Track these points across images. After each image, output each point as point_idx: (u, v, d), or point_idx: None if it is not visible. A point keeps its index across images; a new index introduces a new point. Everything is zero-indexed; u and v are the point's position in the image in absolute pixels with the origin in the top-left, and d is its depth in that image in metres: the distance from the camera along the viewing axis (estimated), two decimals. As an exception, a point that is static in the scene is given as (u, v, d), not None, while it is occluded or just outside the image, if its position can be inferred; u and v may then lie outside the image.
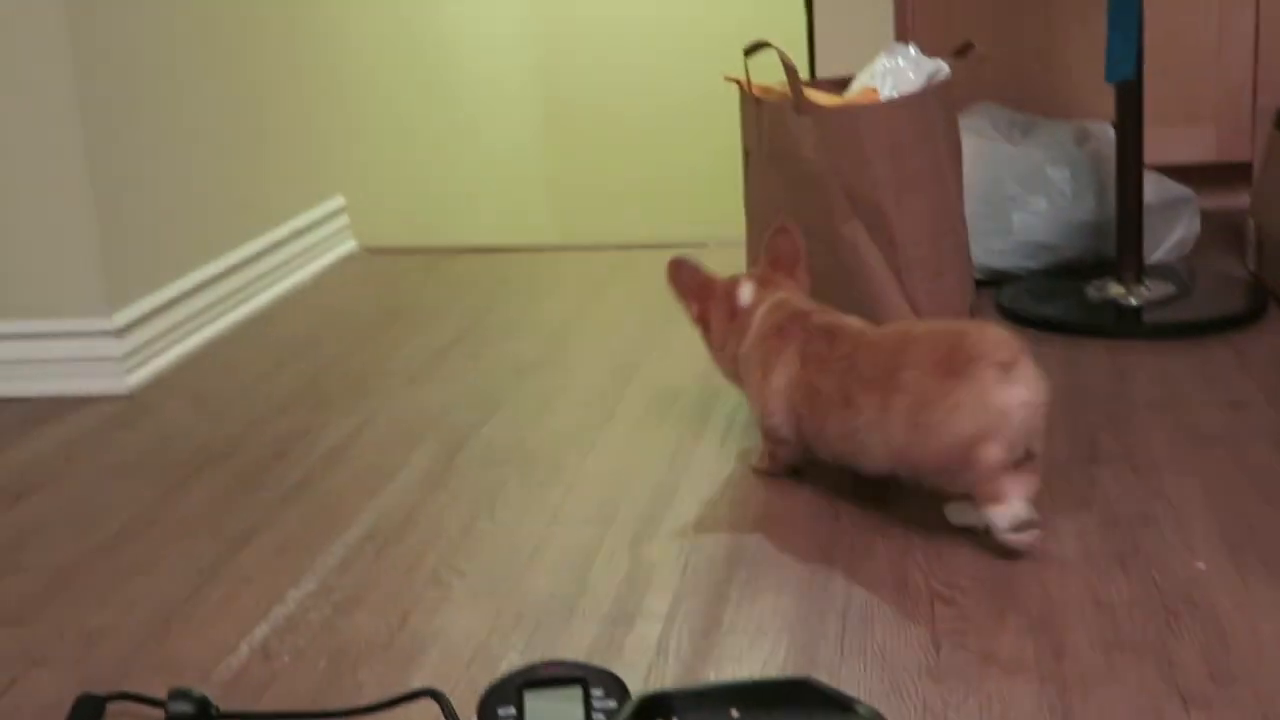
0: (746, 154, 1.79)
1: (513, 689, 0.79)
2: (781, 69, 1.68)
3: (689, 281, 1.54)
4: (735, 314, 1.49)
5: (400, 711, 1.07)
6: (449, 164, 3.32)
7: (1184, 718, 1.01)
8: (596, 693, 0.78)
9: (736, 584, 1.25)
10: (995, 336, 1.30)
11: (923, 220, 1.65)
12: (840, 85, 1.79)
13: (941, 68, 1.67)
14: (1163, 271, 2.02)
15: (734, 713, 0.73)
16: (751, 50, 1.70)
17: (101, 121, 1.89)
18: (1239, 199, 2.44)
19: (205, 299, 2.13)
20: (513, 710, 0.77)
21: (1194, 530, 1.30)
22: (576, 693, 0.78)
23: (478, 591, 1.28)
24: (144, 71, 2.00)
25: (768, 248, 1.53)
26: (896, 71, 1.66)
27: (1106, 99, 2.39)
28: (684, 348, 1.91)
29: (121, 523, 1.49)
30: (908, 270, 1.66)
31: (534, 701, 0.78)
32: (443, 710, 0.97)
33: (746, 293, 1.49)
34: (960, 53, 1.75)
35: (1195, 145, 2.38)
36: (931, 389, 1.28)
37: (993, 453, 1.25)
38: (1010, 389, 1.26)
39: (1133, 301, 1.92)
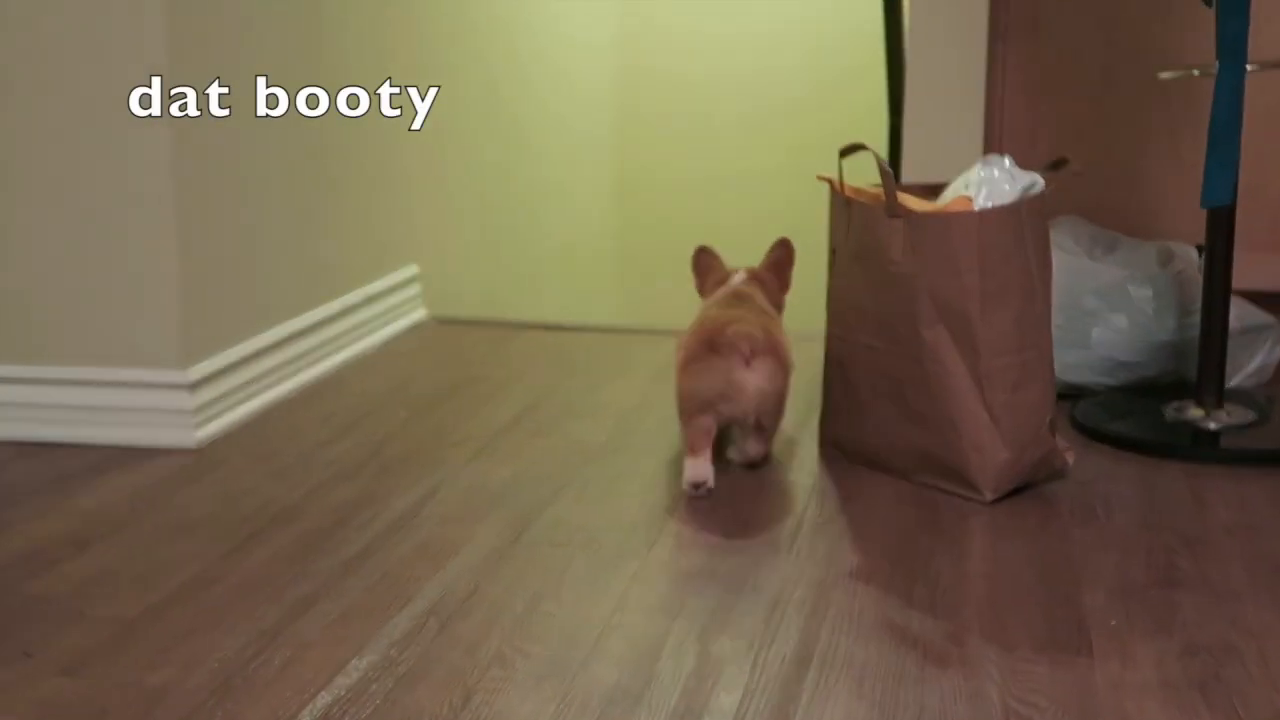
0: (833, 251, 1.79)
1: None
2: (870, 171, 1.69)
3: (701, 263, 2.03)
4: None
5: (463, 793, 1.06)
6: (522, 239, 3.35)
7: None
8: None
9: (807, 685, 1.23)
10: (748, 333, 1.71)
11: (1008, 331, 1.64)
12: (929, 191, 1.80)
13: (1037, 181, 1.67)
14: (1242, 397, 2.00)
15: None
16: (847, 152, 1.71)
17: (189, 181, 1.91)
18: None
19: (276, 359, 2.14)
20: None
21: (1278, 662, 1.27)
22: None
23: (541, 675, 1.26)
24: (229, 137, 2.02)
25: (769, 254, 1.99)
26: (991, 182, 1.66)
27: (1190, 220, 2.38)
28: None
29: (183, 579, 1.49)
30: (988, 380, 1.64)
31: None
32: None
33: (738, 279, 1.94)
34: (1055, 166, 1.74)
35: (1273, 273, 2.36)
36: (699, 353, 1.73)
37: (707, 422, 1.72)
38: (748, 375, 1.71)
39: (1211, 425, 1.90)
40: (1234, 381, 2.08)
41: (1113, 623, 1.35)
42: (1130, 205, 2.39)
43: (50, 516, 1.68)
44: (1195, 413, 1.92)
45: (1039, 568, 1.49)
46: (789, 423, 1.93)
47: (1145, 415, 1.95)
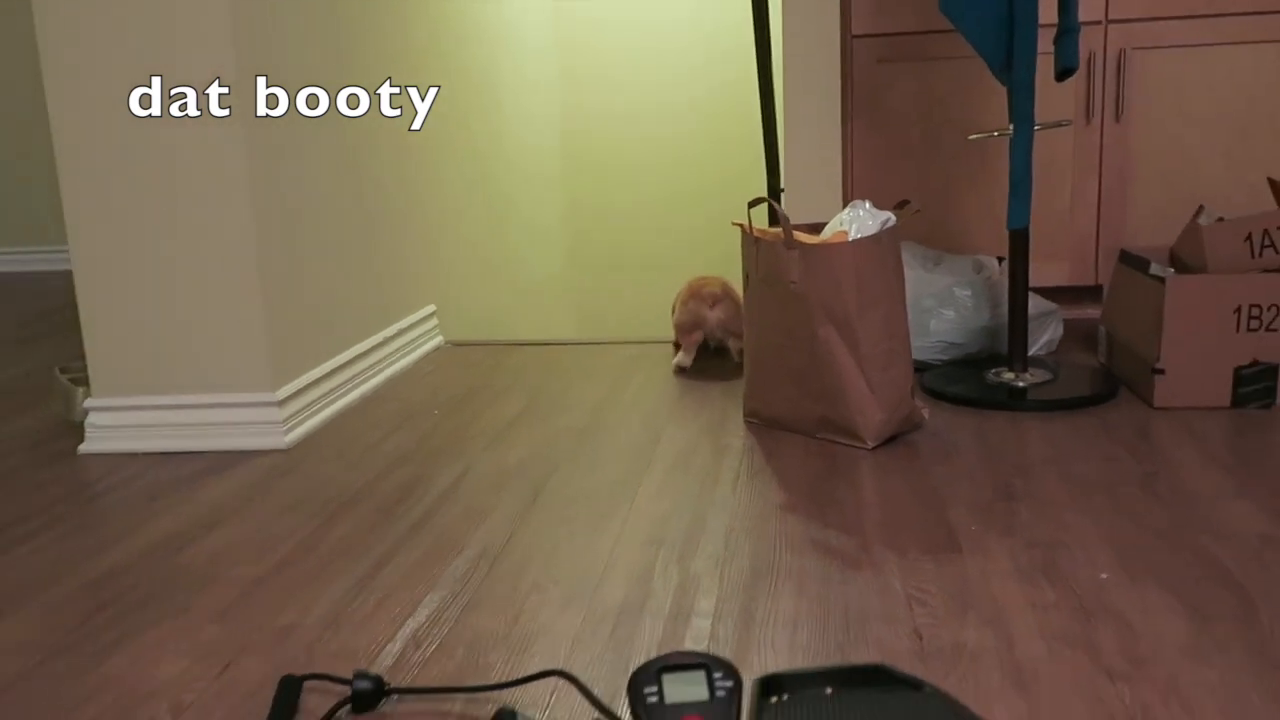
0: (746, 276, 1.80)
1: (653, 672, 0.77)
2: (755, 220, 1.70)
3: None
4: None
5: (527, 686, 1.05)
6: (503, 281, 3.32)
7: (1111, 688, 1.00)
8: (717, 675, 0.76)
9: (761, 590, 1.24)
10: (712, 288, 2.20)
11: (878, 327, 1.65)
12: (811, 228, 1.81)
13: (890, 217, 1.69)
14: (1039, 363, 2.03)
15: (828, 690, 0.71)
16: (755, 203, 1.72)
17: (269, 247, 1.88)
18: (1085, 311, 2.47)
19: (339, 379, 2.11)
20: (655, 688, 0.74)
21: (1094, 550, 1.29)
22: (700, 675, 0.76)
23: (568, 598, 1.25)
24: (300, 204, 1.99)
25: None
26: (859, 219, 1.67)
27: (989, 239, 2.42)
28: (693, 418, 1.91)
29: (290, 547, 1.46)
30: (867, 363, 1.65)
31: (670, 682, 0.75)
32: (574, 684, 0.94)
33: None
34: (900, 206, 1.76)
35: (1055, 273, 2.40)
36: (688, 299, 2.20)
37: (696, 336, 2.19)
38: (709, 312, 2.18)
39: (1020, 384, 1.93)
40: (1031, 351, 2.12)
41: (973, 529, 1.37)
42: (947, 231, 2.42)
43: (183, 506, 1.64)
44: (1008, 376, 1.95)
45: (915, 494, 1.50)
46: (722, 400, 1.94)
47: (973, 380, 1.97)
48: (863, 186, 2.40)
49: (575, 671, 1.07)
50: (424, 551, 1.41)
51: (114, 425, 1.92)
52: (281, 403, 1.89)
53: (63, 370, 2.31)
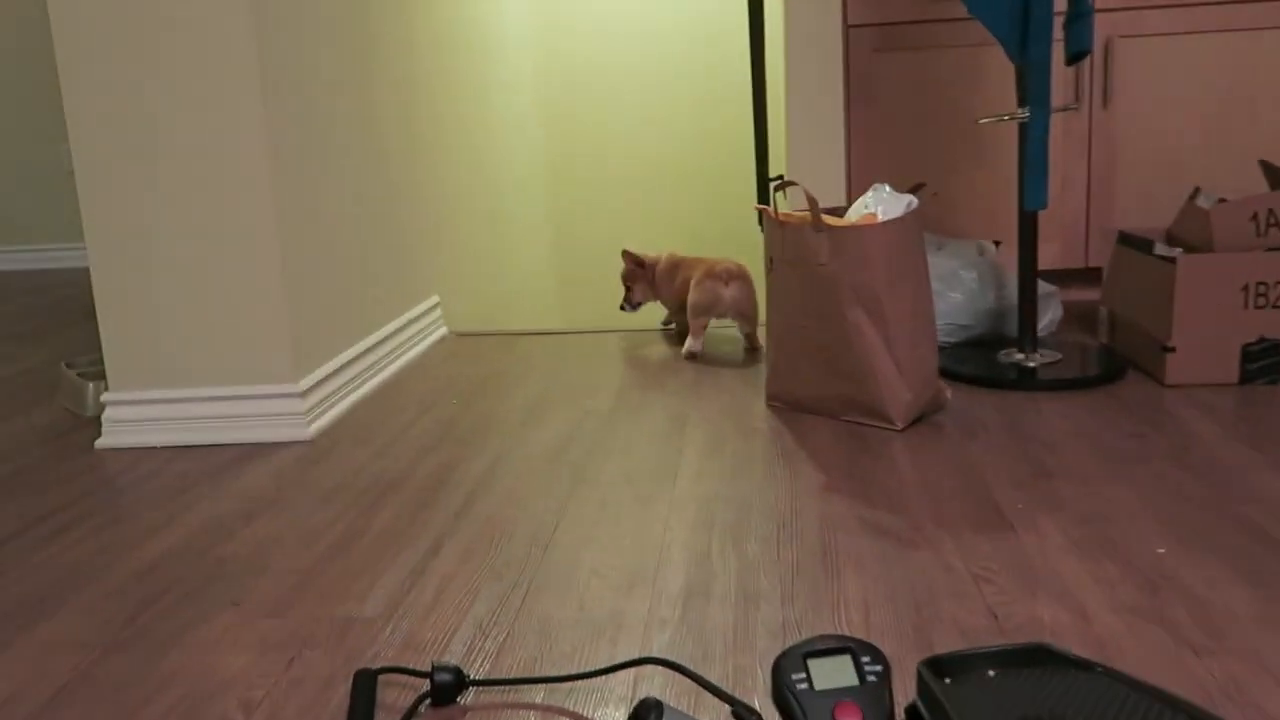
0: (770, 260, 1.74)
1: (798, 657, 0.72)
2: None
3: (632, 259, 2.37)
4: (646, 273, 2.35)
5: (607, 675, 0.99)
6: (495, 275, 3.25)
7: (1197, 662, 0.96)
8: (864, 659, 0.71)
9: (823, 570, 1.19)
10: (727, 266, 2.14)
11: (905, 307, 1.61)
12: (831, 213, 1.76)
13: (913, 200, 1.64)
14: (1046, 343, 2.00)
15: (990, 672, 0.66)
16: (780, 186, 1.66)
17: (290, 243, 1.80)
18: (1075, 293, 2.45)
19: (356, 369, 2.03)
20: (803, 674, 0.69)
21: (1142, 523, 1.25)
22: (847, 660, 0.70)
23: (630, 582, 1.20)
24: (320, 204, 1.91)
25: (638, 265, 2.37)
26: (884, 202, 1.62)
27: (985, 224, 2.39)
28: (713, 402, 1.86)
29: (335, 536, 1.39)
30: (894, 342, 1.61)
31: (817, 667, 0.70)
32: (681, 671, 0.88)
33: (667, 254, 2.33)
34: (915, 189, 1.72)
35: (1046, 255, 2.38)
36: (703, 278, 2.14)
37: (705, 320, 2.15)
38: (724, 289, 2.13)
39: (1031, 364, 1.90)
40: (1035, 333, 2.08)
41: (1019, 506, 1.33)
42: (944, 216, 2.39)
43: (215, 498, 1.56)
44: (1019, 356, 1.92)
45: (953, 473, 1.46)
46: (737, 384, 1.89)
47: (983, 360, 1.94)
48: (859, 175, 2.36)
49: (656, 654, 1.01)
50: (473, 538, 1.35)
51: (132, 419, 1.83)
52: (304, 393, 1.81)
53: (69, 365, 2.21)
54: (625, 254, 2.38)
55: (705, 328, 2.18)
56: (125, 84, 1.71)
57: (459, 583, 1.22)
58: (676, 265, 2.31)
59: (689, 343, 2.18)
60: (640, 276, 2.38)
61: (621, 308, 2.40)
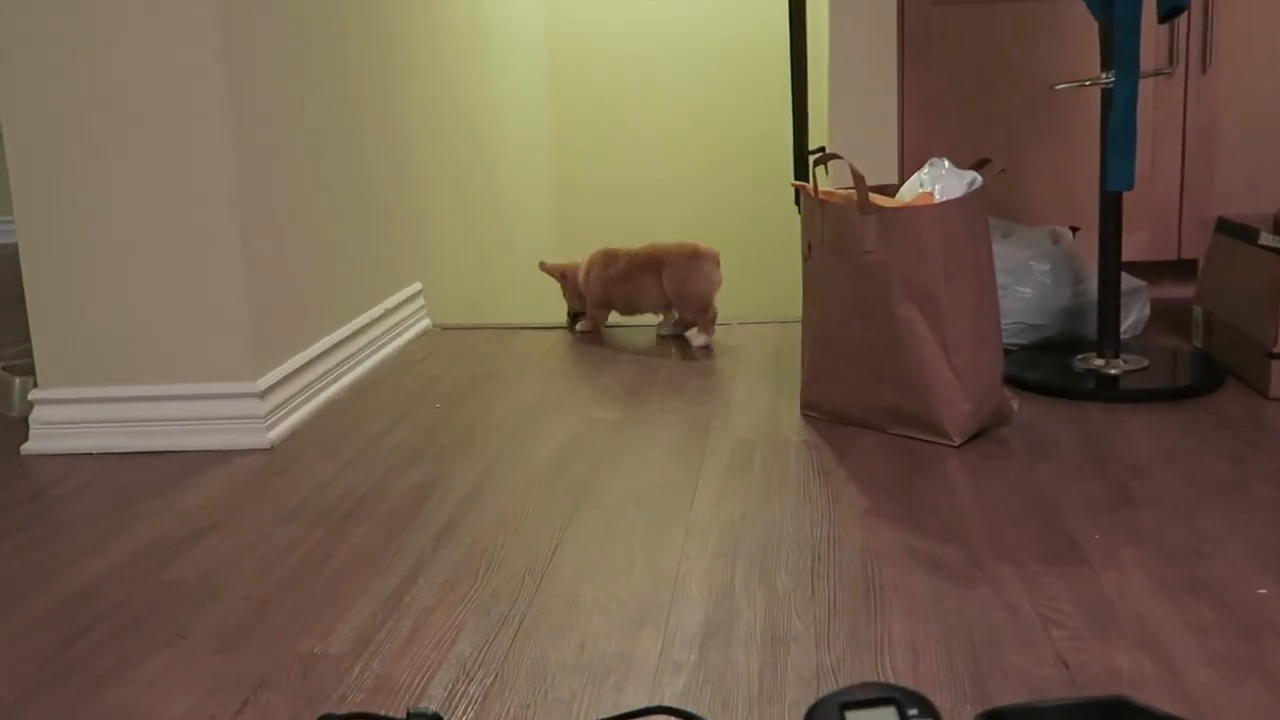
0: (807, 245, 1.74)
1: (834, 709, 0.71)
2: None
3: (553, 270, 2.49)
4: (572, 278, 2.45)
5: (613, 726, 0.99)
6: (493, 261, 3.26)
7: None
8: (911, 711, 0.70)
9: (866, 609, 1.18)
10: (696, 245, 2.27)
11: (966, 303, 1.61)
12: (881, 191, 1.75)
13: (976, 177, 1.64)
14: (1131, 347, 2.00)
15: (1061, 730, 0.65)
16: (821, 160, 1.66)
17: (251, 219, 1.81)
18: (1165, 290, 2.44)
19: (323, 366, 2.04)
20: (839, 729, 0.69)
21: (1240, 560, 1.25)
22: (891, 712, 0.70)
23: (640, 620, 1.19)
24: (280, 193, 1.91)
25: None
26: (942, 179, 1.62)
27: (1056, 207, 2.39)
28: (740, 409, 1.86)
29: (298, 559, 1.39)
30: (954, 345, 1.61)
31: (856, 720, 0.70)
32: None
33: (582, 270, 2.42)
34: (979, 165, 1.71)
35: (1132, 245, 2.37)
36: (686, 265, 2.26)
37: (715, 306, 2.26)
38: (717, 272, 2.26)
39: (1112, 371, 1.89)
40: (1118, 335, 2.08)
41: (1096, 537, 1.32)
42: (1009, 197, 2.38)
43: (161, 515, 1.56)
44: (1098, 362, 1.91)
45: (1019, 497, 1.45)
46: (766, 389, 1.89)
47: (1056, 366, 1.93)
48: (912, 148, 2.36)
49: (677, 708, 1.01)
50: (456, 565, 1.35)
51: (66, 421, 1.84)
52: (264, 394, 1.82)
53: (-6, 356, 2.22)
54: (542, 267, 2.50)
55: (715, 318, 2.28)
56: (62, 37, 1.72)
57: (440, 616, 1.22)
58: (626, 258, 2.35)
59: (702, 337, 2.27)
60: (567, 288, 2.48)
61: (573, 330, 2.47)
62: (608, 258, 2.38)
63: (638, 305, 2.36)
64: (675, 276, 2.27)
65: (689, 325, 2.34)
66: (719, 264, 2.28)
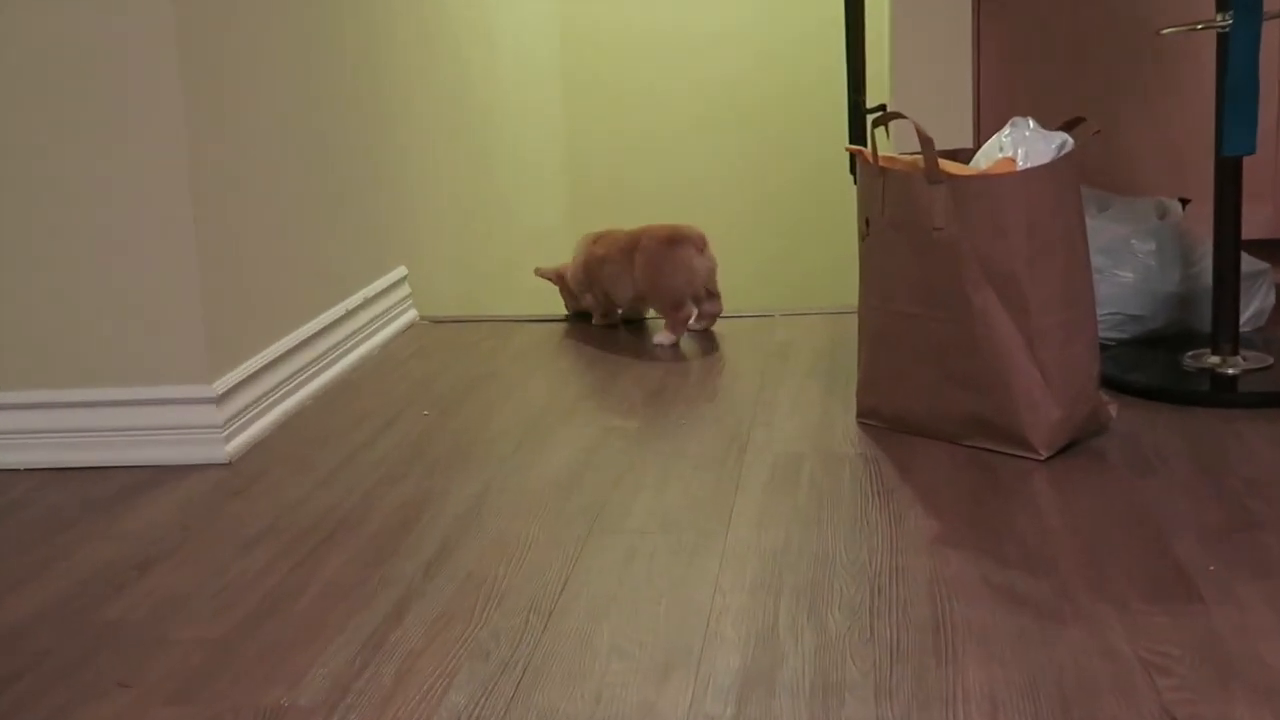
0: (865, 221, 1.74)
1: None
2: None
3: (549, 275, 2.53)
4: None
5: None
6: (493, 240, 3.28)
7: None
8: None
9: (935, 653, 1.19)
10: (693, 230, 2.29)
11: (1055, 288, 1.61)
12: (953, 157, 1.75)
13: (1067, 140, 1.64)
14: (1253, 342, 1.99)
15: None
16: (882, 120, 1.66)
17: (205, 196, 1.82)
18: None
19: (292, 366, 2.06)
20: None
21: (1384, 598, 1.24)
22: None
23: (667, 666, 1.20)
24: (241, 161, 1.93)
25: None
26: (1026, 142, 1.62)
27: (1165, 174, 2.38)
28: (786, 416, 1.86)
29: (262, 593, 1.41)
30: (1040, 338, 1.61)
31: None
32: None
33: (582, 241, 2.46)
34: (1070, 125, 1.71)
35: (1253, 221, 2.35)
36: (660, 252, 2.27)
37: (689, 306, 2.29)
38: (700, 259, 2.27)
39: (1230, 370, 1.89)
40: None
41: (1211, 568, 1.32)
42: (1106, 164, 2.38)
43: (100, 541, 1.58)
44: (1213, 360, 1.91)
45: (1118, 520, 1.46)
46: (817, 393, 1.89)
47: (1162, 365, 1.93)
48: (991, 104, 2.36)
49: (700, 769, 1.02)
50: (450, 600, 1.36)
51: (-11, 429, 1.86)
52: (221, 398, 1.84)
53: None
54: (537, 273, 2.55)
55: (689, 317, 2.30)
56: (-15, -26, 1.74)
57: (429, 661, 1.23)
58: (611, 239, 2.38)
59: (665, 335, 2.29)
60: (564, 290, 2.51)
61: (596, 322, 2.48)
62: (598, 235, 2.41)
63: (615, 296, 2.38)
64: (647, 264, 2.28)
65: (710, 317, 2.35)
66: (705, 247, 2.28)
